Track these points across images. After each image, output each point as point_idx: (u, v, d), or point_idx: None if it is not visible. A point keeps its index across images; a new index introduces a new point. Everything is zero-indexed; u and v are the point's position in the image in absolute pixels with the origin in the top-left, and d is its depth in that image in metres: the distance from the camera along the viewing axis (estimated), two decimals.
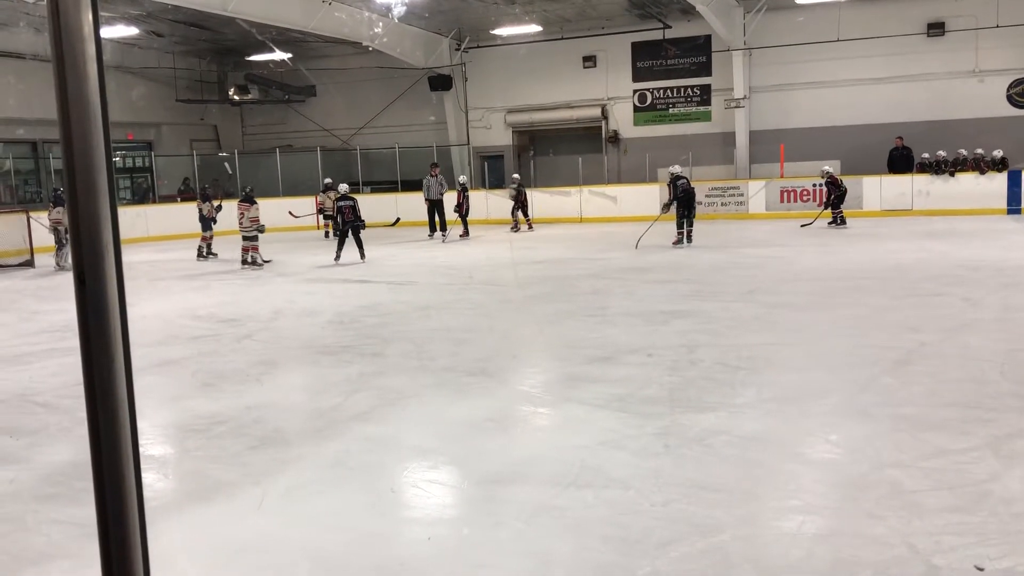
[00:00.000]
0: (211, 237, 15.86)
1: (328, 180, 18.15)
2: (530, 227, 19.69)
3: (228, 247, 15.67)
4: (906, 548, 3.36)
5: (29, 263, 15.61)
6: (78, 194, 0.93)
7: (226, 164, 18.02)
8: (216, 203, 15.93)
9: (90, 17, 0.92)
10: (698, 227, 16.28)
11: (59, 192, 15.87)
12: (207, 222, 15.78)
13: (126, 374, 0.96)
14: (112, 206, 0.94)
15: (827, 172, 17.12)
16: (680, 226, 14.90)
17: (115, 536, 0.97)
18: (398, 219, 17.03)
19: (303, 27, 18.71)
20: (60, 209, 15.07)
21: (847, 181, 19.39)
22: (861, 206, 18.48)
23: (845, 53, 20.00)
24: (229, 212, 16.20)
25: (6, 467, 4.81)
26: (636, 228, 15.72)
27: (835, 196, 16.99)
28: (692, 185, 15.21)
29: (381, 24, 20.55)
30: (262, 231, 14.08)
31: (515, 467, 4.48)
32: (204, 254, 15.75)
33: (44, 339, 8.57)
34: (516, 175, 20.62)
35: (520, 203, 19.66)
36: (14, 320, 9.96)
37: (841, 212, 17.02)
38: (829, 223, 17.03)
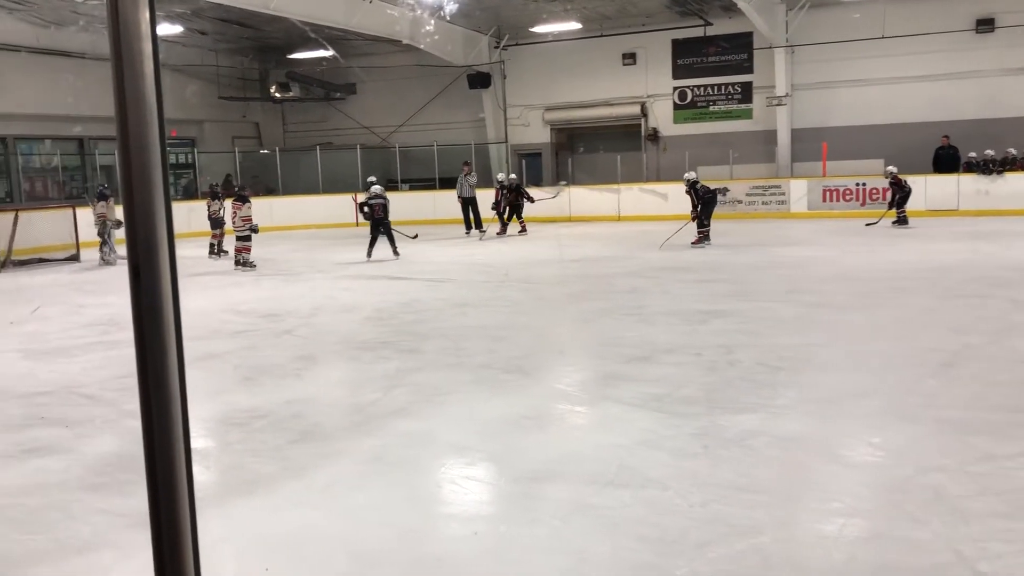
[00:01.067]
0: (221, 235, 15.72)
1: (373, 178, 18.19)
2: (523, 230, 18.76)
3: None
4: (951, 554, 3.30)
5: (75, 257, 15.93)
6: (134, 189, 0.94)
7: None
8: (222, 204, 15.92)
9: (147, 16, 0.93)
10: (738, 226, 16.14)
11: (103, 188, 16.13)
12: (215, 220, 15.73)
13: (178, 367, 0.97)
14: (166, 201, 0.96)
15: (892, 172, 16.81)
16: (702, 226, 14.94)
17: (166, 526, 0.99)
18: (416, 235, 16.69)
19: (344, 25, 18.86)
20: (103, 203, 15.33)
21: None
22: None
23: (890, 50, 19.70)
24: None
25: (55, 457, 4.91)
26: (675, 227, 15.59)
27: (899, 196, 16.74)
28: (711, 187, 15.39)
29: (421, 22, 20.64)
30: (255, 231, 13.97)
31: (552, 465, 4.48)
32: (216, 251, 15.72)
33: (89, 332, 8.74)
34: (513, 175, 19.58)
35: (514, 204, 18.72)
36: (61, 313, 10.16)
37: (904, 212, 16.77)
38: (893, 223, 16.78)
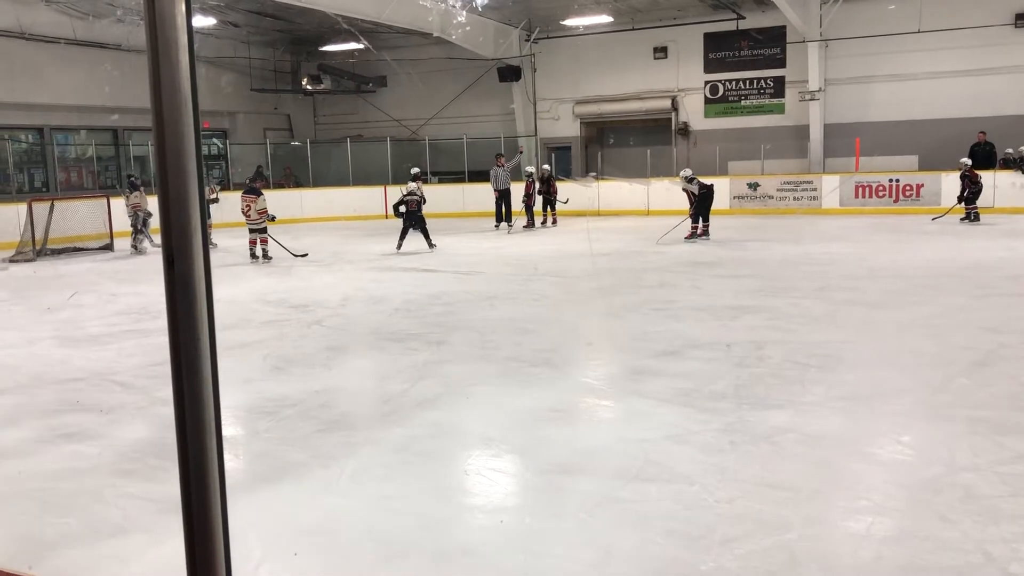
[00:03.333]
0: (210, 226, 15.55)
1: (416, 170, 18.12)
2: (554, 222, 19.30)
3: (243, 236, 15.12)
4: (981, 555, 3.26)
5: (108, 247, 16.14)
6: (168, 178, 0.96)
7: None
8: (213, 195, 15.81)
9: (183, 7, 0.95)
10: (769, 221, 15.98)
11: (133, 178, 16.25)
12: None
13: (211, 354, 0.99)
14: (200, 190, 0.97)
15: (966, 165, 16.39)
16: (696, 221, 15.04)
17: (198, 511, 1.00)
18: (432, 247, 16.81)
19: (375, 18, 18.91)
20: (136, 194, 15.50)
21: (925, 177, 18.89)
22: (940, 203, 17.93)
23: (926, 45, 19.39)
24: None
25: (88, 442, 5.00)
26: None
27: (970, 192, 16.36)
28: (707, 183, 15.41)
29: (452, 15, 20.65)
30: (272, 220, 14.04)
31: (578, 458, 4.49)
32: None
33: (122, 320, 8.86)
34: (546, 166, 19.95)
35: (547, 196, 19.24)
36: (95, 302, 10.31)
37: (976, 208, 16.44)
38: (962, 219, 16.41)
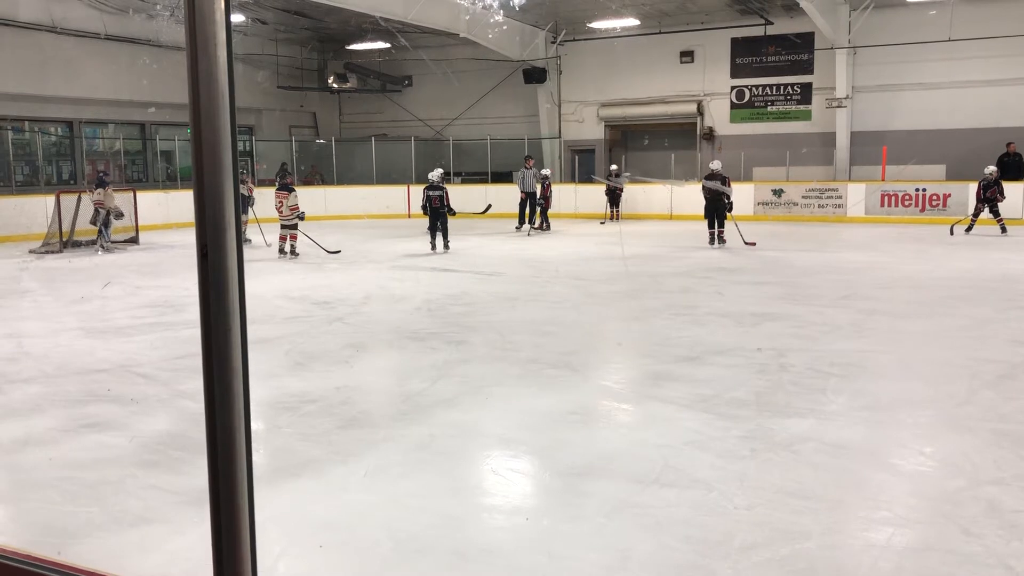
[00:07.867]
0: (246, 221, 14.90)
1: (440, 171, 18.07)
2: (618, 218, 20.43)
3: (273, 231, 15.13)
4: (1004, 570, 3.23)
5: (134, 240, 16.30)
6: (204, 170, 0.97)
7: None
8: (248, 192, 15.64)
9: (222, 4, 0.96)
10: (793, 229, 15.84)
11: (102, 175, 16.15)
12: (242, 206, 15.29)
13: (242, 345, 1.00)
14: (235, 183, 0.99)
15: (994, 172, 16.14)
16: (711, 226, 14.81)
17: (225, 501, 1.01)
18: (489, 206, 17.05)
19: (403, 17, 18.99)
20: (100, 191, 15.17)
21: (952, 187, 18.70)
22: (967, 213, 17.74)
23: (956, 54, 19.20)
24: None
25: (111, 433, 5.05)
26: (728, 226, 15.40)
27: (985, 202, 16.07)
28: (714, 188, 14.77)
29: (479, 16, 20.70)
30: (302, 218, 14.07)
31: (597, 462, 4.48)
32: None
33: (146, 313, 8.94)
34: (614, 166, 21.33)
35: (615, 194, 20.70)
36: (120, 294, 10.41)
37: (975, 221, 16.21)
38: (968, 229, 16.21)
